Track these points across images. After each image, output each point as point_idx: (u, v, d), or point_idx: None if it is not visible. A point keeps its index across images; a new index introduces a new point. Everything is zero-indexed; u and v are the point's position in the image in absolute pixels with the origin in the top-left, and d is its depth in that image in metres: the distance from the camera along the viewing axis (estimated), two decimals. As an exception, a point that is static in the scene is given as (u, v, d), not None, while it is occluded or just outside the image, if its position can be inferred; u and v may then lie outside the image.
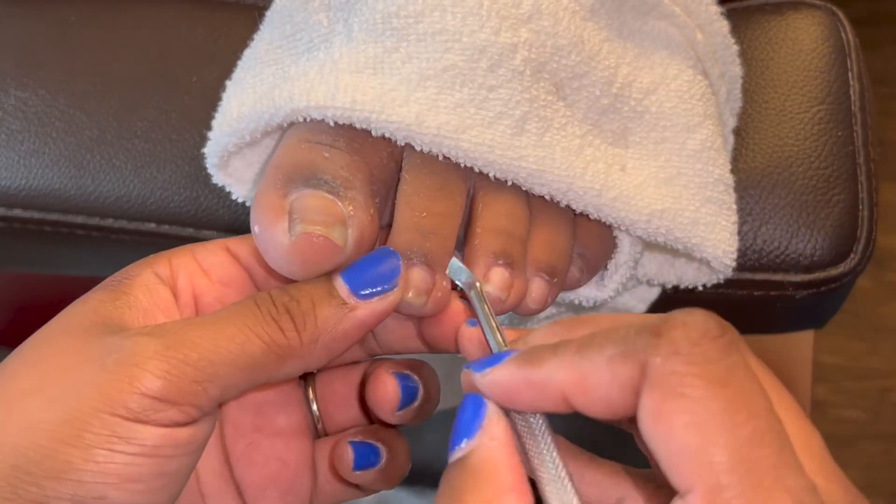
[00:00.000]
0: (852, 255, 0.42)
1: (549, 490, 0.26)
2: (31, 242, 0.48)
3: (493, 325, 0.30)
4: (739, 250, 0.41)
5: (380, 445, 0.34)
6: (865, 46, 0.47)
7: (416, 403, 0.33)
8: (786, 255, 0.42)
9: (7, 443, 0.27)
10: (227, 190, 0.39)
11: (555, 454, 0.26)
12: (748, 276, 0.42)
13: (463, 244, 0.33)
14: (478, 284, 0.31)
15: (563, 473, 0.26)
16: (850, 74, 0.45)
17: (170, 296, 0.32)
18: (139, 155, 0.45)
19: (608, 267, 0.38)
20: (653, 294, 0.43)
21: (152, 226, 0.45)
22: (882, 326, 1.08)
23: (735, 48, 0.42)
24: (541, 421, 0.27)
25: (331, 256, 0.30)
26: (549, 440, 0.26)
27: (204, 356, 0.28)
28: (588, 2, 0.35)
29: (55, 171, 0.45)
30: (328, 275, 0.31)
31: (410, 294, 0.31)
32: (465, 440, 0.26)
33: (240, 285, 0.33)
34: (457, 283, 0.32)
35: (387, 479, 0.34)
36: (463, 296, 0.32)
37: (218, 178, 0.38)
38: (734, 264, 0.38)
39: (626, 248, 0.37)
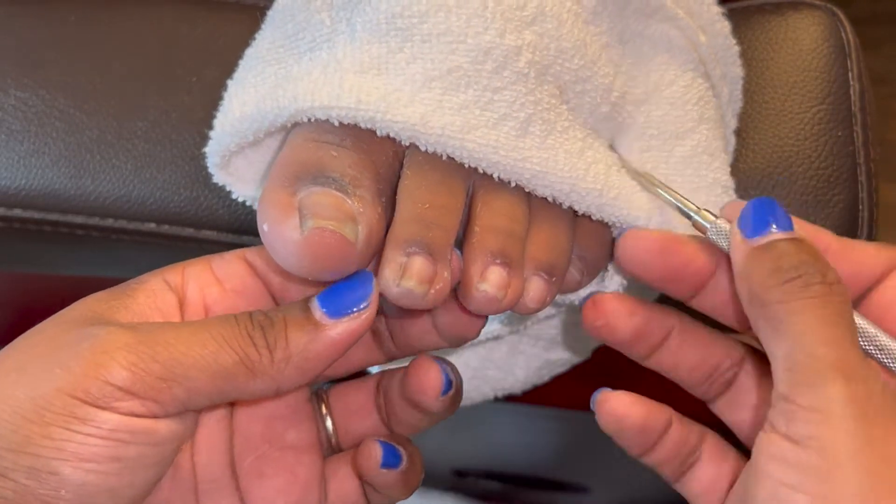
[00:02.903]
0: (852, 256, 0.42)
1: None
2: (31, 242, 0.48)
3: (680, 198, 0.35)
4: (740, 250, 0.41)
5: (401, 449, 0.35)
6: (865, 46, 0.47)
7: (452, 391, 0.34)
8: (786, 256, 0.42)
9: None
10: (228, 189, 0.39)
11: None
12: (748, 276, 0.42)
13: (462, 243, 0.33)
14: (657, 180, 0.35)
15: None
16: (850, 74, 0.45)
17: (175, 303, 0.32)
18: (139, 155, 0.45)
19: (608, 268, 0.38)
20: (652, 296, 0.43)
21: (152, 226, 0.45)
22: (881, 326, 1.08)
23: (736, 49, 0.42)
24: None
25: (343, 252, 0.30)
26: None
27: (174, 356, 0.29)
28: (590, 4, 0.35)
29: (55, 171, 0.45)
30: (305, 298, 0.31)
31: (412, 283, 0.30)
32: (766, 230, 0.31)
33: (254, 295, 0.34)
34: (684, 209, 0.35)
35: (406, 483, 0.35)
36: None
37: (219, 178, 0.38)
38: (735, 264, 0.38)
39: (626, 249, 0.37)
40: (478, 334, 0.35)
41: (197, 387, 0.29)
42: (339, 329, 0.30)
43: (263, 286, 0.34)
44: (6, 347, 0.31)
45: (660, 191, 0.35)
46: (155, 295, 0.32)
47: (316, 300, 0.31)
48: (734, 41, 0.42)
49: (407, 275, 0.31)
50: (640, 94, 0.37)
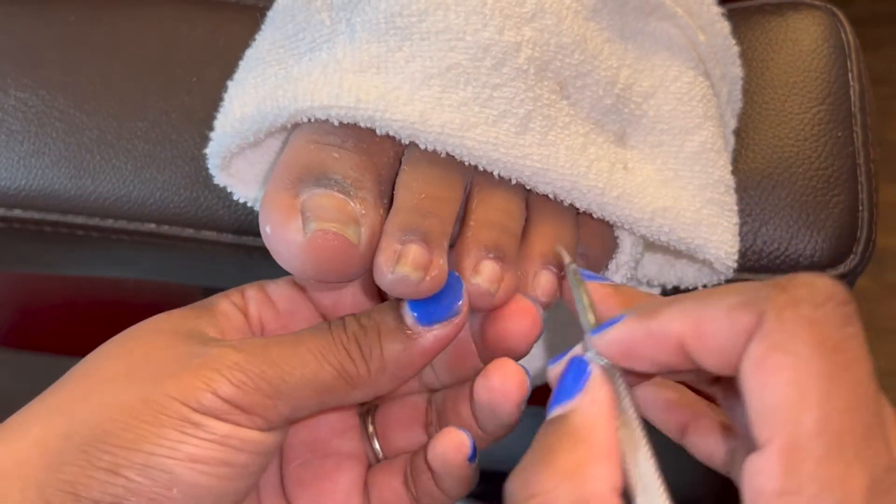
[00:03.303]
0: (852, 256, 0.42)
1: (629, 458, 0.25)
2: (31, 242, 0.48)
3: (587, 304, 0.30)
4: (739, 251, 0.41)
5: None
6: (865, 46, 0.47)
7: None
8: (786, 256, 0.42)
9: (86, 417, 0.29)
10: (229, 190, 0.39)
11: (638, 425, 0.26)
12: (748, 276, 0.42)
13: (457, 239, 0.33)
14: (573, 266, 0.31)
15: (644, 440, 0.25)
16: (850, 75, 0.45)
17: (244, 321, 0.34)
18: (139, 155, 0.45)
19: (609, 267, 0.38)
20: (653, 294, 0.43)
21: (152, 226, 0.45)
22: (882, 326, 1.08)
23: (736, 49, 0.42)
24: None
25: (346, 255, 0.30)
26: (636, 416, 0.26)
27: (279, 375, 0.30)
28: (590, 2, 0.35)
29: (55, 171, 0.45)
30: (396, 304, 0.32)
31: (407, 269, 0.30)
32: (566, 400, 0.26)
33: (304, 314, 0.35)
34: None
35: (475, 479, 0.34)
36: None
37: (220, 179, 0.38)
38: (735, 265, 0.38)
39: (627, 249, 0.37)
40: (527, 351, 0.34)
41: (301, 403, 0.30)
42: (431, 336, 0.31)
43: (313, 306, 0.35)
44: (95, 352, 0.31)
45: (575, 286, 0.31)
46: (228, 315, 0.33)
47: (408, 307, 0.31)
48: (734, 41, 0.42)
49: (402, 261, 0.30)
50: (648, 86, 0.37)
